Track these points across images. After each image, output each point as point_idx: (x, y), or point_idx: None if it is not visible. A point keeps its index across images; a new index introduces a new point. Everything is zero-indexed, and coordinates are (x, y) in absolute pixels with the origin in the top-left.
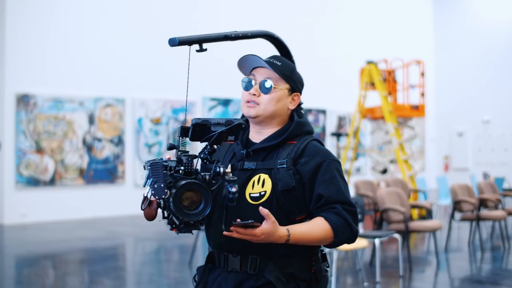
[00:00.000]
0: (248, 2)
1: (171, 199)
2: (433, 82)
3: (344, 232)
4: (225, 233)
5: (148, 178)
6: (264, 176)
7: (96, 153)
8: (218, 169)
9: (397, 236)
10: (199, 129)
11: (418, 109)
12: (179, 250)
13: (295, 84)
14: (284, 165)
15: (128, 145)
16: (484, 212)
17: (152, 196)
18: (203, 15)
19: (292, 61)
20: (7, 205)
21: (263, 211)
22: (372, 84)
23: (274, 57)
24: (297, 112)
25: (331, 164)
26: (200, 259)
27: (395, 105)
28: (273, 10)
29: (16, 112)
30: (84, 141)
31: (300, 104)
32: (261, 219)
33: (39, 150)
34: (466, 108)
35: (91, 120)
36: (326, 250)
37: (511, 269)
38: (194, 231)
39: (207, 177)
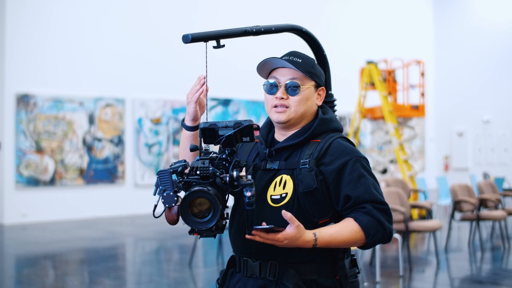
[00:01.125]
0: (247, 3)
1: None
2: (433, 82)
3: (377, 233)
4: (247, 236)
5: (157, 186)
6: (286, 177)
7: (96, 153)
8: (231, 173)
9: (397, 236)
10: (208, 133)
11: (418, 109)
12: (179, 250)
13: (319, 79)
14: (306, 166)
15: (128, 145)
16: (484, 212)
17: (163, 204)
18: (203, 15)
19: (324, 56)
20: (7, 205)
21: (286, 214)
22: (372, 84)
23: (292, 53)
24: (322, 108)
25: (357, 162)
26: (200, 259)
27: (395, 105)
28: (272, 10)
29: (16, 112)
30: (84, 141)
31: (333, 100)
32: (283, 222)
33: (39, 150)
34: (466, 108)
35: (91, 120)
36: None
37: (511, 269)
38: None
39: (228, 179)
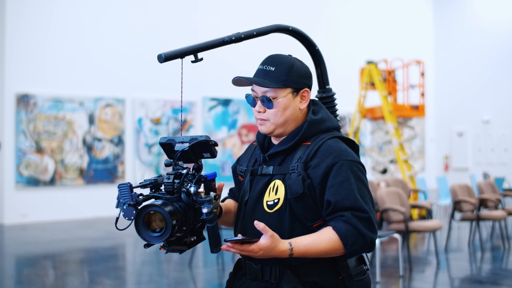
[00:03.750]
0: (247, 3)
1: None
2: (433, 82)
3: (356, 242)
4: (222, 247)
5: (118, 199)
6: (278, 182)
7: (96, 153)
8: (189, 188)
9: (397, 236)
10: (167, 148)
11: (418, 109)
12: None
13: (297, 83)
14: (295, 170)
15: (128, 145)
16: (484, 212)
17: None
18: (203, 15)
19: (316, 51)
20: (7, 205)
21: (259, 225)
22: (372, 84)
23: (266, 61)
24: (315, 106)
25: (344, 166)
26: (200, 259)
27: (395, 105)
28: (272, 10)
29: (16, 112)
30: (84, 141)
31: (332, 95)
32: (278, 227)
33: (39, 150)
34: (466, 108)
35: (91, 120)
36: None
37: (511, 269)
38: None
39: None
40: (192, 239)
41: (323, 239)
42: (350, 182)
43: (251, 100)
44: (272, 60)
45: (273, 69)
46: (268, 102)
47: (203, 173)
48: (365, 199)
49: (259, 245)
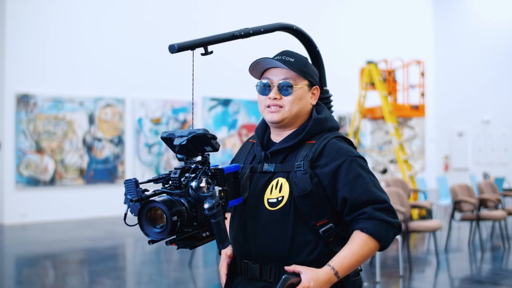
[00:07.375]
0: (247, 3)
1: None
2: (433, 82)
3: (388, 233)
4: None
5: (125, 195)
6: (282, 180)
7: (96, 153)
8: (190, 183)
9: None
10: (169, 143)
11: (418, 109)
12: (179, 250)
13: (313, 78)
14: (301, 168)
15: (128, 145)
16: (484, 212)
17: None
18: (203, 15)
19: (317, 52)
20: (7, 205)
21: (289, 269)
22: (372, 84)
23: (284, 53)
24: (317, 107)
25: (353, 162)
26: (200, 259)
27: (395, 105)
28: (272, 10)
29: (16, 112)
30: (84, 141)
31: (329, 96)
32: (279, 225)
33: (39, 150)
34: (466, 108)
35: (91, 120)
36: None
37: (511, 269)
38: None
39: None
40: (205, 235)
41: (357, 245)
42: (363, 177)
43: (263, 88)
44: (290, 53)
45: (292, 60)
46: (287, 89)
47: (221, 166)
48: (381, 189)
49: (306, 277)
